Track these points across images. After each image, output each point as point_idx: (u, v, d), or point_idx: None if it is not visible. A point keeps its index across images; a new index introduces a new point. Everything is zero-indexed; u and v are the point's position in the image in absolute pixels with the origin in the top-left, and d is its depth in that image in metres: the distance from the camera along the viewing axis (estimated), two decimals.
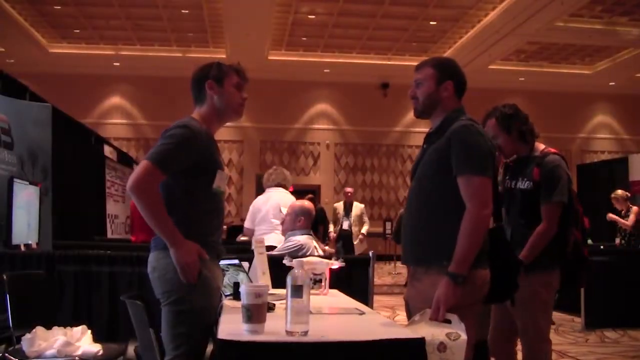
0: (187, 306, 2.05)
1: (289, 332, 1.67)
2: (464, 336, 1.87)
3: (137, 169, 2.04)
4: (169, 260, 2.05)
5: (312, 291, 2.30)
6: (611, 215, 7.58)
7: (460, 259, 1.96)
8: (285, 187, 4.92)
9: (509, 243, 2.30)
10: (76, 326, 2.88)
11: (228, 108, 2.28)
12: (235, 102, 2.29)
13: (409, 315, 2.17)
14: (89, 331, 2.89)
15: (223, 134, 13.81)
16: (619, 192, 7.72)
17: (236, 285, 2.44)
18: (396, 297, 8.07)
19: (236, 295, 2.39)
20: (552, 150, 2.85)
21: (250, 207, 4.87)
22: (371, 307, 3.32)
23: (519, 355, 2.88)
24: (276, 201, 4.71)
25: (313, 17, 11.54)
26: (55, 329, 2.83)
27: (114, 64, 13.60)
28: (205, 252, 2.10)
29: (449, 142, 2.05)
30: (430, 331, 1.84)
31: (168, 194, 2.09)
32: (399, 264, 11.40)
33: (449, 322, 1.93)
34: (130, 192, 2.03)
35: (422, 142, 2.25)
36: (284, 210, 4.36)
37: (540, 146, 2.88)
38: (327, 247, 2.79)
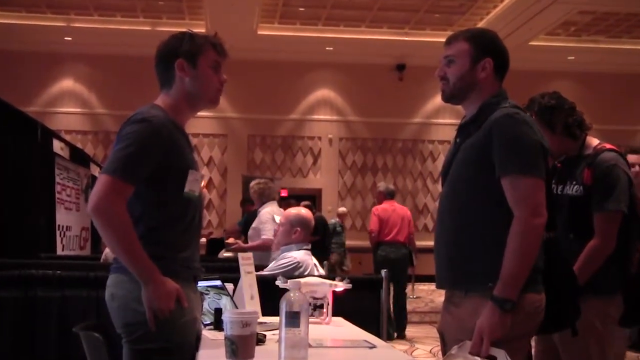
0: (156, 344, 2.04)
1: None
2: None
3: (97, 187, 2.04)
4: (134, 286, 2.05)
5: (312, 319, 2.31)
6: None
7: (508, 279, 1.95)
8: None
9: (566, 258, 2.30)
10: None
11: (202, 95, 2.28)
12: (212, 88, 2.28)
13: (444, 349, 2.18)
14: None
15: (203, 126, 13.78)
16: None
17: (218, 312, 2.46)
18: (415, 327, 8.08)
19: (218, 325, 2.40)
20: (608, 146, 2.85)
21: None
22: (384, 339, 3.33)
23: None
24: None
25: None
26: None
27: (65, 38, 13.62)
28: (185, 298, 2.09)
29: (489, 135, 2.05)
30: None
31: (128, 203, 2.08)
32: (417, 285, 11.41)
33: (494, 358, 1.92)
34: (91, 216, 2.03)
35: (445, 136, 2.26)
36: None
37: (594, 142, 2.89)
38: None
